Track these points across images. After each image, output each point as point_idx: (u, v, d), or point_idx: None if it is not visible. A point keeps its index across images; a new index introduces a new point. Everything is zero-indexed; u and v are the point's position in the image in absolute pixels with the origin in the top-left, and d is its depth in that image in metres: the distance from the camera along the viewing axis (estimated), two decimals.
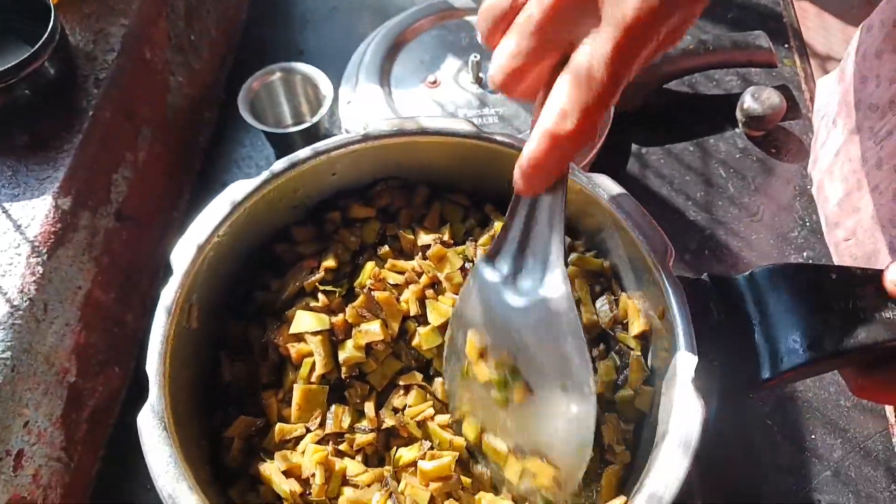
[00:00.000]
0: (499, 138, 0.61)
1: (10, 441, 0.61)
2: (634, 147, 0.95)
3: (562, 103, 0.41)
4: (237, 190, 0.58)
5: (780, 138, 0.95)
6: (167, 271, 0.55)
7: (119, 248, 0.77)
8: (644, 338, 0.59)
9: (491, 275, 0.53)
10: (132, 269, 0.80)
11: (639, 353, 0.59)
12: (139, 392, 0.51)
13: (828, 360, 0.51)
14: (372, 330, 0.58)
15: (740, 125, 0.95)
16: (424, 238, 0.63)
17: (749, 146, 0.95)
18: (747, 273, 0.55)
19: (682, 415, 0.49)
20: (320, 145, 0.60)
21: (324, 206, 0.66)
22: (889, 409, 0.76)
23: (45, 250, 0.65)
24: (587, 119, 0.41)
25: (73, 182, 0.69)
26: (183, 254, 0.55)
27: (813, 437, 0.75)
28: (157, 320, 0.53)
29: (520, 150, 0.61)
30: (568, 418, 0.49)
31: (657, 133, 0.96)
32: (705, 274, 0.56)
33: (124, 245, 0.78)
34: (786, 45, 1.04)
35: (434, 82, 0.88)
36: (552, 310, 0.49)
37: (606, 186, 0.58)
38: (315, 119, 0.85)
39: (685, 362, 0.51)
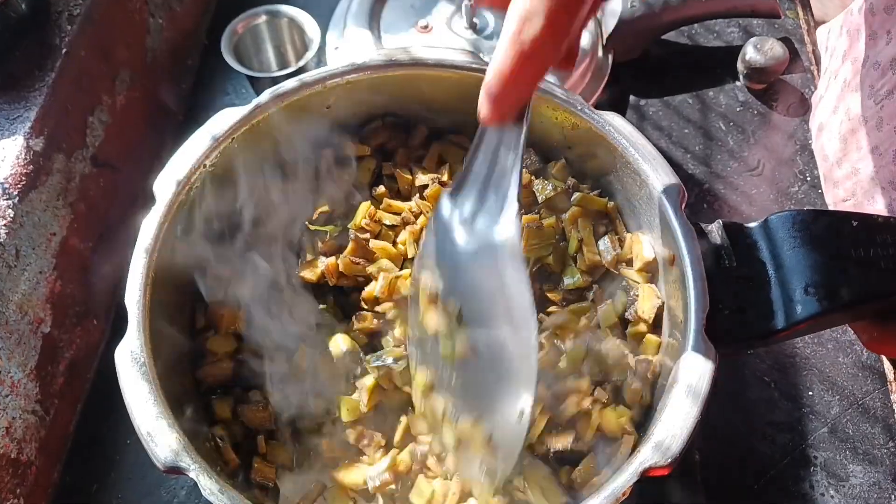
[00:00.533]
0: None
1: None
2: (632, 98, 0.92)
3: (524, 6, 0.39)
4: (222, 120, 0.55)
5: (781, 91, 0.93)
6: None
7: (96, 195, 0.73)
8: (650, 271, 0.57)
9: (450, 212, 0.49)
10: (111, 219, 0.76)
11: (647, 283, 0.56)
12: None
13: (844, 311, 0.49)
14: None
15: (741, 77, 0.92)
16: (422, 178, 0.60)
17: (750, 99, 0.92)
18: (762, 220, 0.52)
19: (692, 363, 0.47)
20: (308, 76, 0.57)
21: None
22: (888, 366, 0.75)
23: (15, 193, 0.61)
24: (552, 23, 0.38)
25: (46, 122, 0.65)
26: (167, 184, 0.52)
27: (810, 393, 0.74)
28: (137, 252, 0.49)
29: None
30: (508, 380, 0.46)
31: (656, 85, 0.93)
32: (718, 221, 0.53)
33: (102, 193, 0.74)
34: None
35: (426, 27, 0.84)
36: (500, 255, 0.46)
37: (617, 125, 0.55)
38: (301, 63, 0.81)
39: (696, 308, 0.48)
